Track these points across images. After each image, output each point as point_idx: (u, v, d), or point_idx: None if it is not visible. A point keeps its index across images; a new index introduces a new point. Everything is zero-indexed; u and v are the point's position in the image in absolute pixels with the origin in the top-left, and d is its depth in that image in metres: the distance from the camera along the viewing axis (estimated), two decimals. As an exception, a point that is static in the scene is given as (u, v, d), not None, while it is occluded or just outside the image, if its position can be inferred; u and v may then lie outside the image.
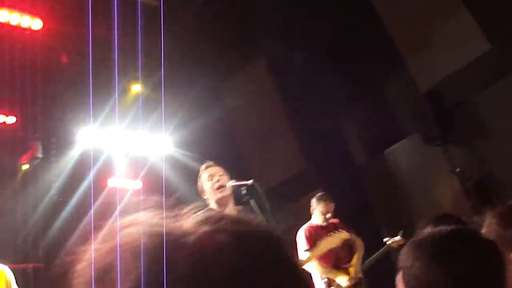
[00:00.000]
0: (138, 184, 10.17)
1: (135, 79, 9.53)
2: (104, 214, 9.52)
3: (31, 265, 7.78)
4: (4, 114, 8.73)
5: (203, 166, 4.99)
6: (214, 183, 4.83)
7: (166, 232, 0.83)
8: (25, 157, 9.16)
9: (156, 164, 10.02)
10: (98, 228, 0.92)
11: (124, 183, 10.04)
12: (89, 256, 0.85)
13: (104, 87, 7.77)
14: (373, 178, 9.95)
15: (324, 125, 9.21)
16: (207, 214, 0.89)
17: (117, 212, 9.38)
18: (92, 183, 9.64)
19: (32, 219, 8.79)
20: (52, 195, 9.48)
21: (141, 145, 9.79)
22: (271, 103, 9.86)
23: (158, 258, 0.78)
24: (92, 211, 9.25)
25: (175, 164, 9.94)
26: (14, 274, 5.08)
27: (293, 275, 0.85)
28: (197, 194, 5.03)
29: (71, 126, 9.06)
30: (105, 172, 9.81)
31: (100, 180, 9.89)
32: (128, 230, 0.86)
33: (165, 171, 9.96)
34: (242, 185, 4.68)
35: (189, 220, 0.88)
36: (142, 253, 0.80)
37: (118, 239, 0.84)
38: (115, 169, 9.81)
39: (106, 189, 9.83)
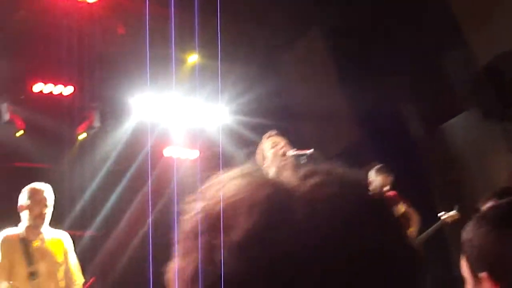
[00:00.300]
0: (195, 154, 10.19)
1: (192, 48, 9.48)
2: (161, 183, 9.63)
3: (88, 233, 7.94)
4: (61, 84, 8.84)
5: (266, 135, 5.07)
6: (277, 150, 4.87)
7: (276, 184, 0.87)
8: (82, 127, 9.29)
9: (212, 134, 10.02)
10: (204, 178, 0.92)
11: (180, 153, 10.07)
12: (201, 206, 0.84)
13: (160, 57, 7.76)
14: (429, 151, 9.76)
15: (381, 97, 9.00)
16: (310, 168, 0.91)
17: (174, 182, 9.49)
18: (148, 153, 9.73)
19: (89, 188, 8.94)
20: (108, 164, 9.61)
21: (197, 115, 9.77)
22: (328, 74, 9.69)
23: (272, 210, 0.79)
24: (149, 181, 9.37)
25: (232, 133, 9.92)
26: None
27: (396, 224, 0.87)
28: (256, 163, 5.05)
29: (128, 96, 9.12)
30: (161, 141, 9.87)
31: (157, 150, 9.96)
32: (236, 181, 0.86)
33: (222, 140, 9.95)
34: (303, 155, 4.71)
35: (290, 174, 0.92)
36: (255, 204, 0.80)
37: (228, 190, 0.84)
38: (172, 138, 9.84)
39: (163, 159, 9.91)
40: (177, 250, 0.86)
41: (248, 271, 0.75)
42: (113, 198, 9.24)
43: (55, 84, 8.81)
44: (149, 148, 9.59)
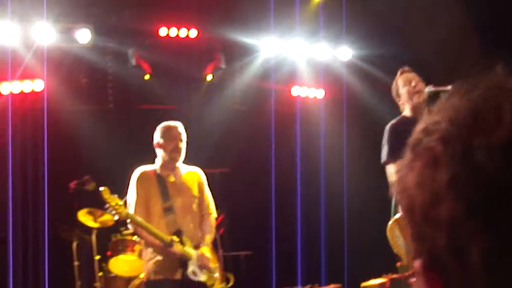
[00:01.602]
0: (320, 93, 10.08)
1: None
2: (287, 122, 9.62)
3: (218, 170, 8.07)
4: (186, 28, 8.89)
5: (399, 72, 4.86)
6: (411, 88, 4.71)
7: None
8: (209, 68, 9.37)
9: (338, 73, 9.85)
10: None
11: (306, 92, 10.00)
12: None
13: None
14: None
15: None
16: None
17: (297, 121, 9.47)
18: (273, 92, 9.72)
19: (217, 128, 9.05)
20: (235, 104, 9.68)
21: (322, 55, 9.61)
22: (454, 14, 9.15)
23: None
24: (272, 119, 9.38)
25: (357, 72, 9.72)
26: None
27: None
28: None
29: (253, 36, 9.08)
30: (287, 81, 9.82)
31: (282, 89, 9.93)
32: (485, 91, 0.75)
33: (347, 79, 9.78)
34: (441, 91, 4.46)
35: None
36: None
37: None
38: (298, 78, 9.77)
39: (288, 98, 9.88)
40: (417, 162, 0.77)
41: None
42: (240, 137, 9.33)
43: (179, 28, 8.88)
44: (273, 88, 9.59)
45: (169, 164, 5.07)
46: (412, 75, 4.92)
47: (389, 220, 4.66)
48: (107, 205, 4.67)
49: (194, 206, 5.07)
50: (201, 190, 5.19)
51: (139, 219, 4.76)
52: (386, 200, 4.89)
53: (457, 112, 0.74)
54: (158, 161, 5.11)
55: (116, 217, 4.73)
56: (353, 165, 9.66)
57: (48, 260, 8.06)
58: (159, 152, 5.10)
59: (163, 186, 4.99)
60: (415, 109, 4.82)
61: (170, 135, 5.06)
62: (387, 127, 4.90)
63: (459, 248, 0.70)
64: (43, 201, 8.17)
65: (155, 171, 5.07)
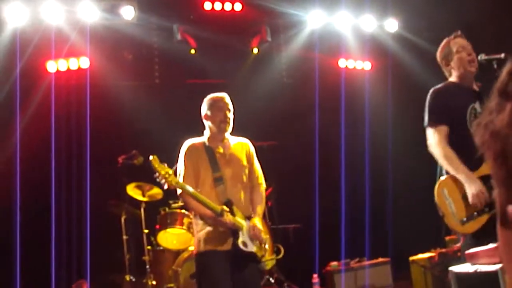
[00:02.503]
0: (367, 65, 9.99)
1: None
2: (333, 94, 9.54)
3: (266, 143, 8.08)
4: (230, 2, 8.86)
5: (452, 36, 4.75)
6: (465, 55, 4.60)
7: None
8: (254, 41, 9.35)
9: (385, 46, 9.73)
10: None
11: (353, 64, 9.92)
12: None
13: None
14: None
15: None
16: None
17: (342, 93, 9.41)
18: (317, 64, 9.65)
19: (264, 101, 9.03)
20: (281, 77, 9.65)
21: (368, 27, 9.50)
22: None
23: None
24: (317, 91, 9.33)
25: (403, 44, 9.59)
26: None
27: None
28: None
29: (298, 8, 9.01)
30: (333, 53, 9.75)
31: (328, 61, 9.86)
32: None
33: (395, 52, 9.66)
34: (494, 59, 4.33)
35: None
36: None
37: None
38: (344, 50, 9.70)
39: (334, 70, 9.83)
40: None
41: None
42: (287, 109, 9.33)
43: (223, 2, 8.85)
44: (316, 59, 9.52)
45: (218, 136, 5.06)
46: (466, 42, 4.79)
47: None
48: (157, 174, 4.66)
49: (244, 176, 5.06)
50: (250, 161, 5.17)
51: (189, 187, 4.76)
52: (432, 171, 4.81)
53: None
54: (207, 133, 5.11)
55: (166, 186, 4.74)
56: (398, 137, 9.58)
57: (97, 234, 8.16)
58: (207, 124, 5.09)
59: (212, 157, 4.99)
60: (463, 77, 4.72)
61: (217, 106, 5.05)
62: (430, 91, 4.78)
63: None
64: (85, 177, 8.25)
65: (203, 143, 5.07)
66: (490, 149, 0.74)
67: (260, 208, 5.09)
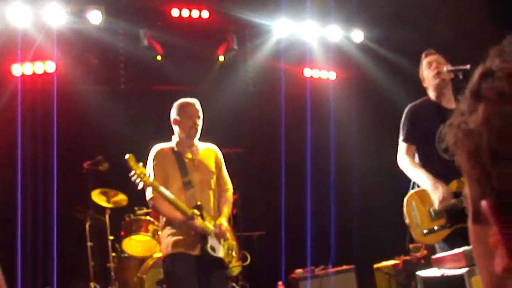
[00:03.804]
0: (332, 75, 10.10)
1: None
2: (298, 103, 9.60)
3: (232, 150, 8.06)
4: (198, 9, 8.88)
5: (423, 54, 4.91)
6: (431, 71, 4.76)
7: None
8: (221, 49, 9.37)
9: (350, 56, 9.85)
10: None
11: (318, 73, 10.01)
12: None
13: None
14: None
15: None
16: None
17: (308, 102, 9.47)
18: (283, 73, 9.71)
19: (229, 108, 9.05)
20: (247, 85, 9.68)
21: (334, 37, 9.60)
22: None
23: None
24: (282, 100, 9.38)
25: (370, 56, 9.71)
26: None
27: None
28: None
29: (265, 17, 9.06)
30: (298, 62, 9.82)
31: (293, 71, 9.93)
32: None
33: (360, 62, 9.78)
34: (459, 70, 4.48)
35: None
36: None
37: None
38: (309, 59, 9.78)
39: (300, 80, 9.90)
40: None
41: None
42: (252, 117, 9.36)
43: (190, 9, 8.87)
44: (282, 69, 9.58)
45: (186, 141, 5.08)
46: (434, 57, 4.94)
47: (400, 200, 4.74)
48: (132, 172, 4.67)
49: (212, 182, 5.09)
50: (218, 167, 5.20)
51: (163, 188, 4.77)
52: (397, 180, 4.95)
53: None
54: (175, 138, 5.12)
55: (141, 185, 4.73)
56: (363, 146, 9.67)
57: (61, 240, 8.06)
58: (176, 129, 5.10)
59: (181, 162, 5.00)
60: (437, 90, 4.86)
61: (187, 112, 5.06)
62: (407, 107, 4.96)
63: None
64: (52, 182, 8.15)
65: (172, 148, 5.07)
66: (464, 148, 0.77)
67: (227, 209, 5.13)
